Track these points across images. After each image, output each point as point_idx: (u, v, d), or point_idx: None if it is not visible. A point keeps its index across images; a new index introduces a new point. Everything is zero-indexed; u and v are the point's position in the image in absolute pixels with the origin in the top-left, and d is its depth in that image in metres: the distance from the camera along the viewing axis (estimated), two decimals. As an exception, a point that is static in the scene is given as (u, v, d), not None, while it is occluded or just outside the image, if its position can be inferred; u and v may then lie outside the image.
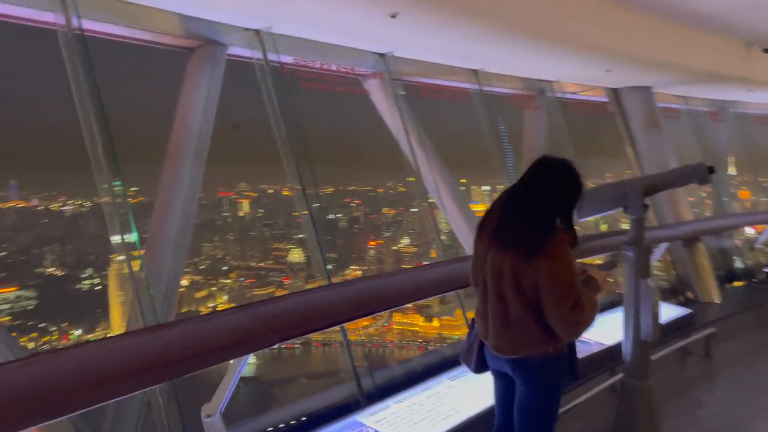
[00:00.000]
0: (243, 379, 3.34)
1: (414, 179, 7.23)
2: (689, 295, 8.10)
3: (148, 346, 3.05)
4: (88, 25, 4.78)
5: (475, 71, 7.64)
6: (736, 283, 9.27)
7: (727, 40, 7.94)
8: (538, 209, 3.00)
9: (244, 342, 3.19)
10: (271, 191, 32.59)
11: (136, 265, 4.90)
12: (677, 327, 6.72)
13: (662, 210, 8.33)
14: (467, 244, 7.36)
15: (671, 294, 8.21)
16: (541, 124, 8.07)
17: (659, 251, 7.19)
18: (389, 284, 4.71)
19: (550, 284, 2.91)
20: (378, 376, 5.75)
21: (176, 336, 3.22)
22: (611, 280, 6.89)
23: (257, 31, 5.84)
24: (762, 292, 8.66)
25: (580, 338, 3.19)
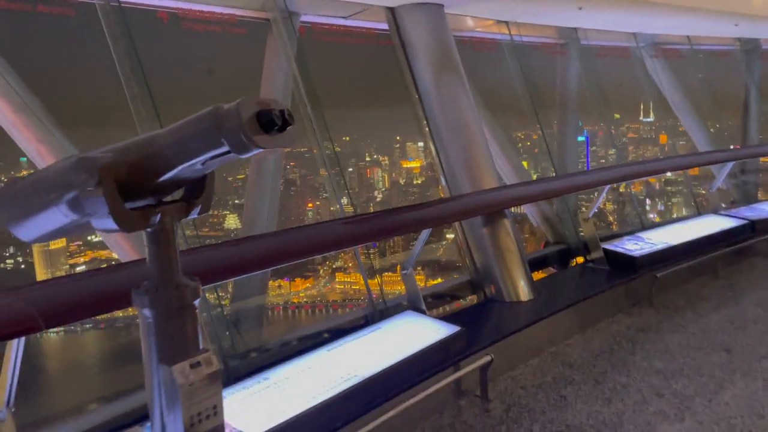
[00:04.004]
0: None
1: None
2: (488, 287, 5.48)
3: None
4: None
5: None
6: (577, 262, 6.70)
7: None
8: None
9: None
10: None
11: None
12: (446, 354, 4.13)
13: (458, 176, 5.60)
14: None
15: (469, 290, 5.61)
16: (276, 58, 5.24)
17: (419, 244, 4.55)
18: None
19: None
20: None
21: None
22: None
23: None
24: (596, 276, 6.04)
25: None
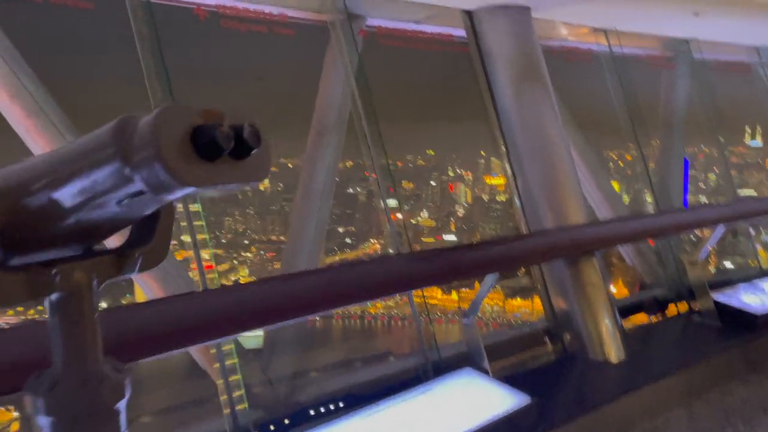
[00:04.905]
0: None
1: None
2: (568, 339, 4.51)
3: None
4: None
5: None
6: (678, 311, 5.52)
7: None
8: None
9: None
10: (291, 165, 30.42)
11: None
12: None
13: (538, 204, 4.67)
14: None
15: (544, 340, 4.63)
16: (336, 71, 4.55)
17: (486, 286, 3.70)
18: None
19: None
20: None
21: None
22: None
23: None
24: (703, 332, 4.90)
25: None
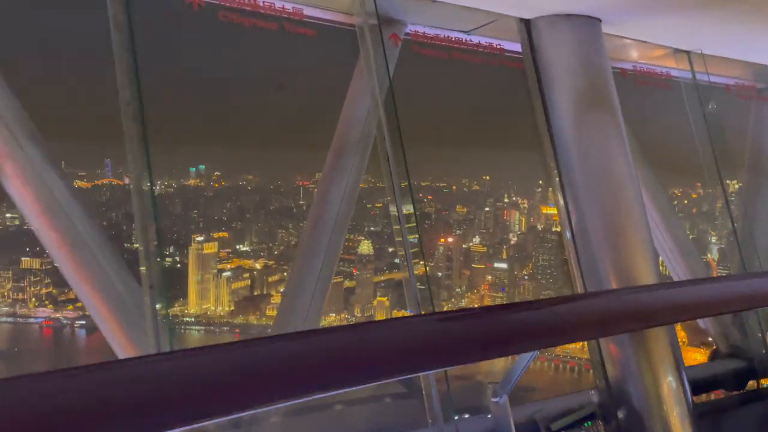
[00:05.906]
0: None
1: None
2: (623, 419, 3.56)
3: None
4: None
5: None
6: (759, 385, 4.44)
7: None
8: None
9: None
10: (347, 183, 30.25)
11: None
12: None
13: (596, 254, 3.76)
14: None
15: (592, 415, 3.67)
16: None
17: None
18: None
19: None
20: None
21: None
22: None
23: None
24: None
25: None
